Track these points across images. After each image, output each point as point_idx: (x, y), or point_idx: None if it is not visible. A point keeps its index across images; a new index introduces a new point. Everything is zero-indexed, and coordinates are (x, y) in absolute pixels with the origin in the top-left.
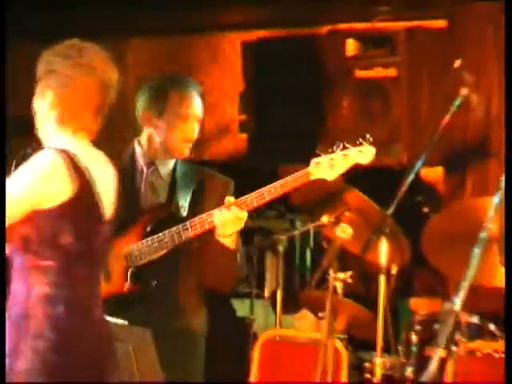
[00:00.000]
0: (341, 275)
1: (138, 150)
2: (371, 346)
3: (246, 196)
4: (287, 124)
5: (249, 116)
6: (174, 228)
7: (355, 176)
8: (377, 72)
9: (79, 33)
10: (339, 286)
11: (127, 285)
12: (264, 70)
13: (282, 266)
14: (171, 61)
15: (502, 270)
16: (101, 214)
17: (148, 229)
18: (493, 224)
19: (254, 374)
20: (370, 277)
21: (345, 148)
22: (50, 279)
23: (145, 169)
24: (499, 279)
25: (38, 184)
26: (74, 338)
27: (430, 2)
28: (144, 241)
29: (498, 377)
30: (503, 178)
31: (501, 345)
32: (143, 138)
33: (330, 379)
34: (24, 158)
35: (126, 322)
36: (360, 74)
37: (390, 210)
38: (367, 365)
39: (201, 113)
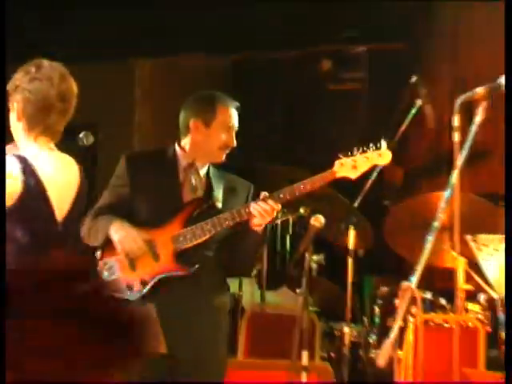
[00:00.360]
0: (315, 257)
1: (179, 152)
2: (341, 318)
3: (280, 190)
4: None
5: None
6: (215, 217)
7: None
8: (346, 86)
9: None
10: (314, 267)
11: (174, 266)
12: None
13: (266, 250)
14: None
15: (452, 253)
16: (50, 215)
17: (192, 217)
18: (444, 214)
19: (241, 342)
20: (340, 259)
21: (364, 152)
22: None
23: (186, 168)
24: (449, 261)
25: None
26: None
27: (388, 28)
28: (189, 228)
29: (449, 344)
30: (454, 175)
31: (451, 316)
32: (186, 141)
33: (306, 346)
34: None
35: (134, 300)
36: (332, 86)
37: (357, 203)
38: (337, 333)
39: (237, 124)
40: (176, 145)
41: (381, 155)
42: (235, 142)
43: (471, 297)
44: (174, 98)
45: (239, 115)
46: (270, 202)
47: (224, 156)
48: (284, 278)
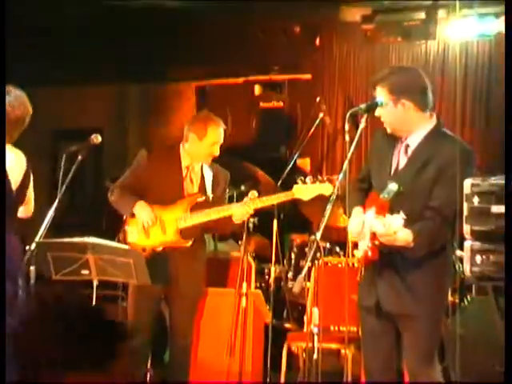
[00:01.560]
0: (251, 219)
1: (182, 152)
2: (268, 260)
3: (255, 199)
4: None
5: None
6: (208, 210)
7: (262, 163)
8: (272, 104)
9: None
10: (251, 226)
11: (177, 239)
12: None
13: None
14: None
15: (343, 216)
16: (9, 186)
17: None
18: (337, 190)
19: None
20: (268, 220)
21: (314, 182)
22: None
23: (187, 167)
24: (341, 221)
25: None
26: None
27: (300, 64)
28: (188, 213)
29: (341, 278)
30: (345, 163)
31: (342, 259)
32: (187, 147)
33: (245, 280)
34: (72, 159)
35: (127, 247)
36: (262, 105)
37: (279, 183)
38: (266, 271)
39: (222, 139)
40: (181, 146)
41: (325, 187)
42: (219, 151)
43: (356, 245)
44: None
45: None
46: (248, 206)
47: (210, 160)
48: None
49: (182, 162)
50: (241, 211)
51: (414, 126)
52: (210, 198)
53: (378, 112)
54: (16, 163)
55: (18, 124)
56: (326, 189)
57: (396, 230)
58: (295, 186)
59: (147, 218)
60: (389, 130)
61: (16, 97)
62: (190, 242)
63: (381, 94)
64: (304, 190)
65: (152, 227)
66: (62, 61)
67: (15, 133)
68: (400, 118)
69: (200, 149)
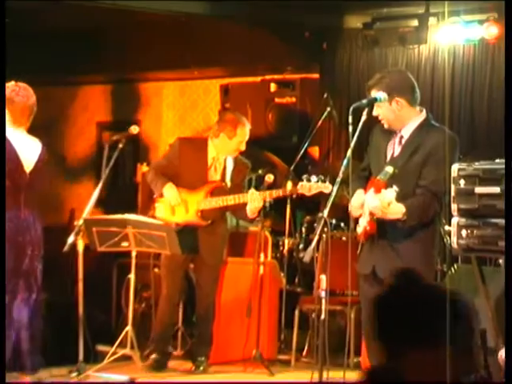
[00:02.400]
0: (268, 200)
1: (210, 145)
2: (283, 234)
3: (266, 192)
4: None
5: None
6: (225, 197)
7: (277, 150)
8: (285, 99)
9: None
10: (267, 205)
11: (197, 219)
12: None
13: None
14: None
15: (348, 197)
16: (22, 169)
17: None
18: (343, 174)
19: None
20: (283, 200)
21: (317, 181)
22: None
23: (213, 158)
24: (345, 200)
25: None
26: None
27: (309, 65)
28: (209, 198)
29: (345, 250)
30: (349, 151)
31: (346, 233)
32: (216, 141)
33: (262, 251)
34: (114, 147)
35: (161, 222)
36: (277, 100)
37: (291, 168)
38: (280, 243)
39: (248, 137)
40: (209, 139)
41: (326, 187)
42: (244, 147)
43: (357, 222)
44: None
45: None
46: (259, 197)
47: (237, 153)
48: None
49: (209, 153)
50: (253, 204)
51: (406, 120)
52: (228, 186)
53: (375, 112)
54: (31, 149)
55: (32, 111)
56: (326, 188)
57: (389, 201)
58: (300, 183)
59: (173, 198)
60: (386, 126)
61: (25, 88)
62: (209, 222)
63: (377, 95)
64: (307, 188)
65: (177, 206)
66: (108, 64)
67: (29, 120)
68: (395, 113)
69: (228, 146)
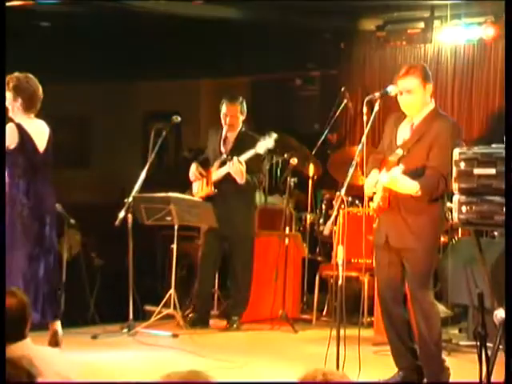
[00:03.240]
0: (293, 179)
1: (224, 127)
2: (305, 210)
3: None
4: None
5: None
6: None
7: (301, 137)
8: (308, 93)
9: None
10: (292, 184)
11: (212, 190)
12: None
13: (267, 175)
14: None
15: (363, 178)
16: (36, 149)
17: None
18: (357, 157)
19: (256, 223)
20: (305, 180)
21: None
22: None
23: (224, 138)
24: (360, 180)
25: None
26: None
27: (329, 63)
28: (217, 170)
29: (360, 224)
30: (364, 137)
31: (360, 209)
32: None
33: (288, 226)
34: (159, 134)
35: (199, 199)
36: (301, 93)
37: (313, 152)
38: (303, 218)
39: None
40: (223, 123)
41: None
42: (231, 121)
43: (370, 199)
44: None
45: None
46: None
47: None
48: (277, 189)
49: (223, 134)
50: (233, 169)
51: (422, 107)
52: (233, 159)
53: (408, 98)
54: (42, 131)
55: (40, 98)
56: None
57: (396, 175)
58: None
59: (191, 174)
60: (410, 112)
61: (32, 78)
62: (216, 191)
63: (413, 82)
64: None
65: (202, 182)
66: (155, 63)
67: (38, 106)
68: (421, 99)
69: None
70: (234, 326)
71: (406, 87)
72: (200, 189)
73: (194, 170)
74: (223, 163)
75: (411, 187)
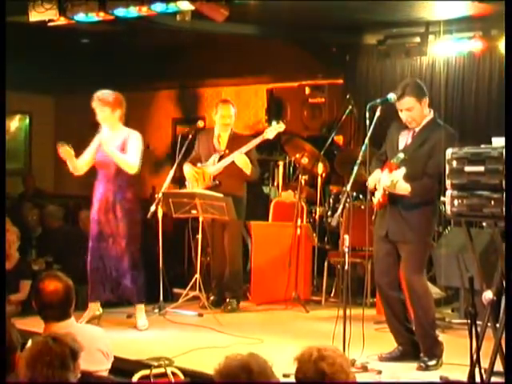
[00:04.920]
0: (304, 176)
1: (217, 126)
2: (315, 203)
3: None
4: None
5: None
6: (223, 160)
7: (310, 139)
8: (317, 100)
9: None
10: (303, 181)
11: (212, 182)
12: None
13: (282, 173)
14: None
15: (365, 174)
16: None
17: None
18: (361, 157)
19: (271, 214)
20: (314, 177)
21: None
22: None
23: (217, 137)
24: (364, 175)
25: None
26: None
27: (335, 73)
28: (214, 166)
29: (363, 216)
30: (366, 139)
31: (364, 203)
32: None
33: (300, 218)
34: (186, 137)
35: (221, 195)
36: (310, 100)
37: (322, 152)
38: (313, 210)
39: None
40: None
41: (280, 126)
42: (229, 121)
43: (373, 194)
44: None
45: None
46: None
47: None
48: (290, 185)
49: (215, 132)
50: (239, 162)
51: (422, 120)
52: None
53: (408, 115)
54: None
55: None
56: (280, 127)
57: (397, 179)
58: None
59: (188, 172)
60: (412, 125)
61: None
62: (217, 183)
63: (410, 101)
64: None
65: (199, 178)
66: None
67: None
68: (420, 112)
69: (217, 122)
70: (229, 307)
71: (403, 107)
72: (196, 184)
73: (189, 169)
74: (221, 158)
75: (404, 188)
